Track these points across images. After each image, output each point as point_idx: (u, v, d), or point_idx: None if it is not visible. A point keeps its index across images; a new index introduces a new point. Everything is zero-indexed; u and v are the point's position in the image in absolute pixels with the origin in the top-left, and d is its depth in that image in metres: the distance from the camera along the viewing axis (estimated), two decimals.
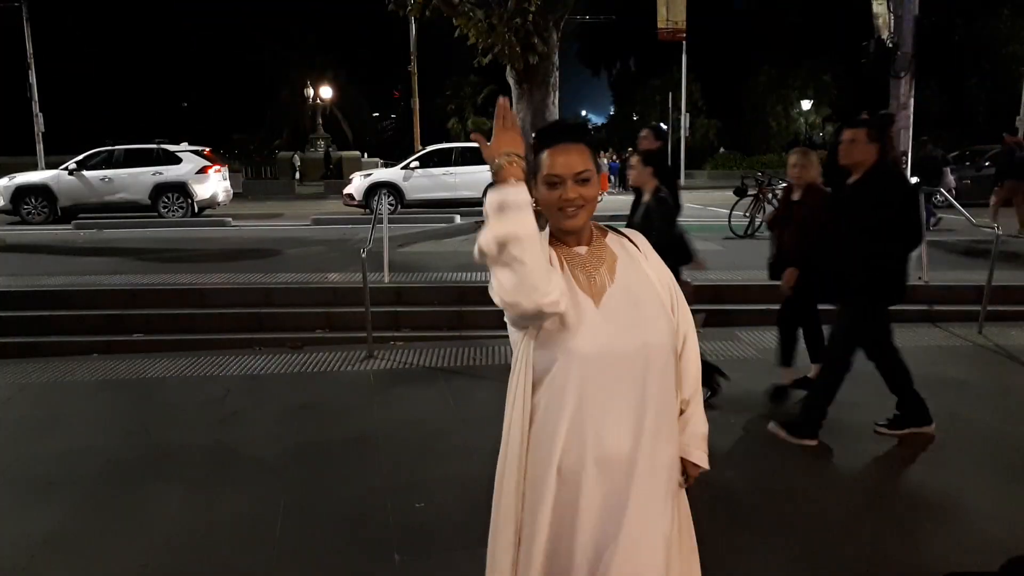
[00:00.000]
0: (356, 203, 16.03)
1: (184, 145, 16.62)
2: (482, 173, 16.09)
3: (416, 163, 16.45)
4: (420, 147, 28.48)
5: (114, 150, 16.25)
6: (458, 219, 13.44)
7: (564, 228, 1.55)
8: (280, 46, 38.07)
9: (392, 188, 15.90)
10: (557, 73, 9.75)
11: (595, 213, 1.60)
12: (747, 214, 10.59)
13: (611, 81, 51.66)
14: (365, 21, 36.00)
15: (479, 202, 12.82)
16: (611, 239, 1.63)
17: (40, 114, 25.40)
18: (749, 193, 10.94)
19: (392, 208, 15.84)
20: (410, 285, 6.76)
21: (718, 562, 2.78)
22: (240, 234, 12.00)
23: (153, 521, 3.14)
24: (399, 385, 4.91)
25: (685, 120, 31.60)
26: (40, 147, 26.09)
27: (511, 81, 9.77)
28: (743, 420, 4.16)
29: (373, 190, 15.77)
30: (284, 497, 3.33)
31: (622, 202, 18.93)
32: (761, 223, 10.59)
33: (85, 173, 15.37)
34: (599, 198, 1.58)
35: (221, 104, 40.92)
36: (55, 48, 31.73)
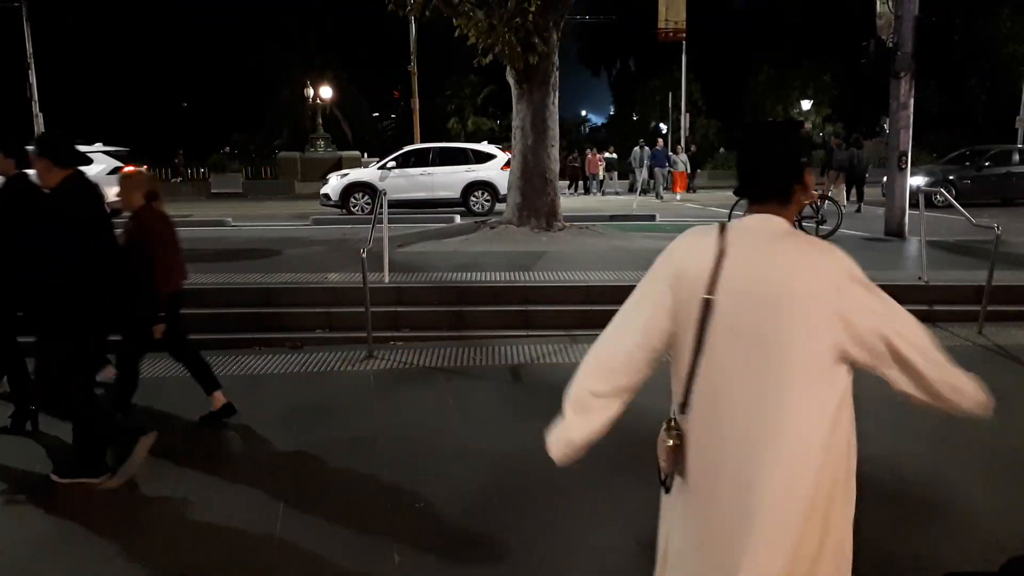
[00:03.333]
0: (332, 203, 15.78)
1: (98, 145, 16.28)
2: (458, 174, 15.78)
3: (393, 163, 16.11)
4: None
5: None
6: (458, 219, 13.44)
7: None
8: (280, 46, 38.09)
9: (369, 188, 15.50)
10: (557, 73, 9.75)
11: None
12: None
13: (611, 81, 51.70)
14: (365, 21, 36.04)
15: (456, 202, 13.03)
16: None
17: (40, 114, 25.40)
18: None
19: (370, 208, 15.50)
20: (410, 285, 6.76)
21: None
22: (240, 234, 12.00)
23: (153, 521, 3.15)
24: (399, 385, 4.91)
25: (685, 120, 31.61)
26: None
27: (511, 81, 9.77)
28: None
29: (350, 190, 15.61)
30: (284, 497, 3.33)
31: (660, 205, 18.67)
32: None
33: None
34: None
35: (221, 104, 40.97)
36: (55, 48, 31.74)
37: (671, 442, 1.63)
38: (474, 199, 15.71)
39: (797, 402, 1.50)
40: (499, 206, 15.96)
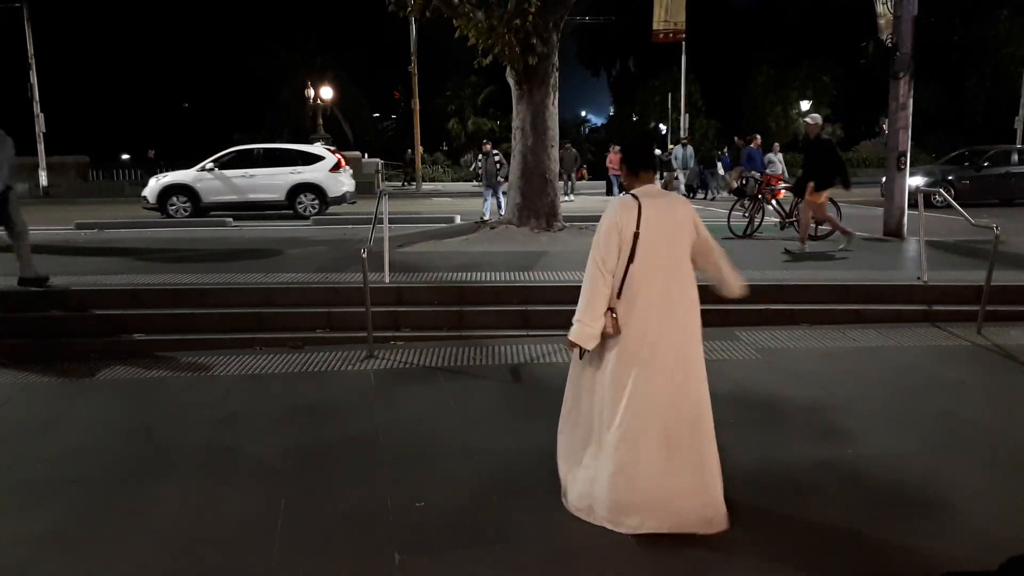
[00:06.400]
0: (151, 206, 15.20)
1: None
2: (282, 176, 15.19)
3: (212, 164, 15.35)
4: (420, 147, 28.54)
5: None
6: (458, 219, 13.45)
7: None
8: (281, 47, 38.09)
9: (187, 191, 15.08)
10: (557, 74, 9.76)
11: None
12: (746, 214, 10.60)
13: (611, 82, 51.72)
14: (365, 21, 36.05)
15: (279, 204, 13.29)
16: None
17: (41, 114, 25.41)
18: (749, 193, 10.94)
19: (188, 212, 15.02)
20: (410, 285, 6.77)
21: (716, 562, 2.79)
22: (240, 234, 12.01)
23: (153, 521, 3.15)
24: (399, 385, 4.92)
25: (684, 120, 31.62)
26: (41, 147, 26.05)
27: (511, 82, 9.78)
28: (742, 419, 4.17)
29: (167, 192, 15.08)
30: (284, 497, 3.33)
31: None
32: (760, 223, 10.61)
33: None
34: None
35: (222, 104, 40.98)
36: (56, 48, 31.75)
37: (613, 315, 2.91)
38: (300, 202, 15.15)
39: (685, 278, 2.95)
40: (331, 209, 15.42)
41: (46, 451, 3.92)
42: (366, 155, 31.23)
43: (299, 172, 15.26)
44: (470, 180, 30.08)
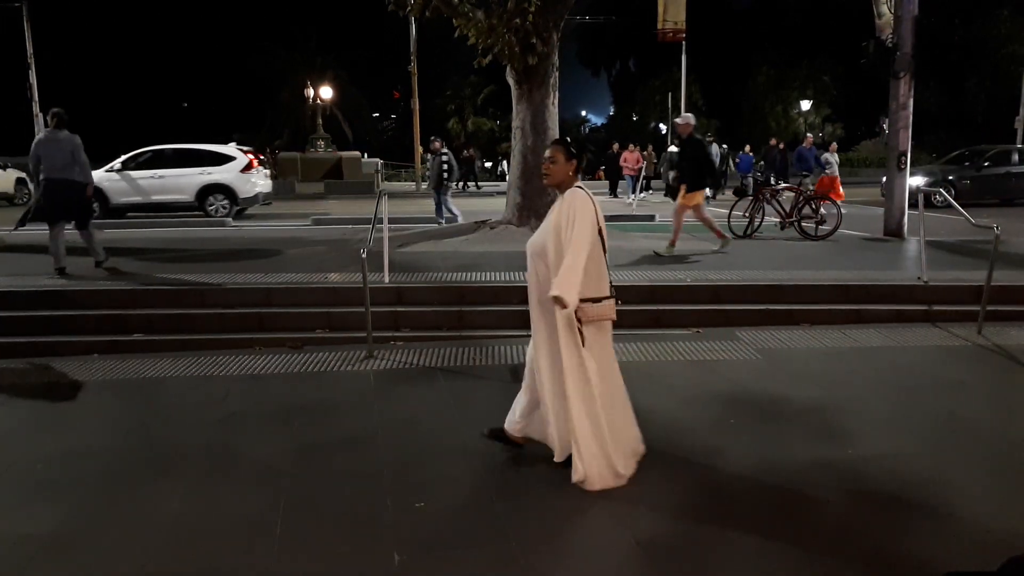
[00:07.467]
0: None
1: None
2: (192, 176, 14.91)
3: (120, 165, 15.03)
4: (420, 148, 28.55)
5: None
6: (459, 219, 13.44)
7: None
8: (281, 47, 38.11)
9: (95, 191, 15.22)
10: (557, 73, 9.76)
11: None
12: (746, 214, 10.60)
13: (611, 81, 51.78)
14: (365, 21, 36.07)
15: (189, 205, 13.37)
16: (566, 194, 3.32)
17: (40, 114, 25.40)
18: (749, 193, 10.94)
19: (96, 214, 14.34)
20: (410, 285, 6.76)
21: (716, 562, 2.79)
22: (240, 234, 12.01)
23: (153, 521, 3.15)
24: (399, 385, 4.91)
25: None
26: None
27: (511, 81, 9.78)
28: (742, 420, 4.17)
29: None
30: (284, 497, 3.33)
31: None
32: (760, 223, 10.61)
33: None
34: None
35: (222, 104, 41.01)
36: (56, 48, 31.76)
37: (618, 301, 3.38)
38: (211, 203, 14.92)
39: None
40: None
41: (46, 451, 3.91)
42: (366, 155, 31.23)
43: (209, 173, 15.02)
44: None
